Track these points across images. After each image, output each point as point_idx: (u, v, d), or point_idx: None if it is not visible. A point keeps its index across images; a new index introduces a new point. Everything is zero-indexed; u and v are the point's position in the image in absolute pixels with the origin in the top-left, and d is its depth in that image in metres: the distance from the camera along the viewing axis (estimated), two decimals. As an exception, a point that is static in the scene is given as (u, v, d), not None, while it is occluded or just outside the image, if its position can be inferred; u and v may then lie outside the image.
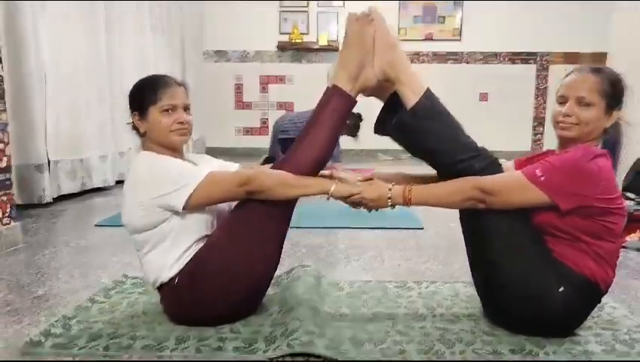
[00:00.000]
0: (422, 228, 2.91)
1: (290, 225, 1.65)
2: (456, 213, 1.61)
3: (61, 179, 3.62)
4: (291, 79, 6.83)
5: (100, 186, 4.06)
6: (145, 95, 1.59)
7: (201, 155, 1.81)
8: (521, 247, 1.50)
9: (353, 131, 4.34)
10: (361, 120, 4.09)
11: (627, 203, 2.79)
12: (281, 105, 6.85)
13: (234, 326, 1.57)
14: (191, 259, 1.55)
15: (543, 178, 1.42)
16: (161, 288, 1.59)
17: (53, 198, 3.46)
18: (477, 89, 6.68)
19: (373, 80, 1.60)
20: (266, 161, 5.11)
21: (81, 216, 3.25)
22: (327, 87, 1.63)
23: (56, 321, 1.61)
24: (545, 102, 6.71)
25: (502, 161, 1.63)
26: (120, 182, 4.35)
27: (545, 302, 1.46)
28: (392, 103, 1.64)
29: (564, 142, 1.56)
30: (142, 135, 1.62)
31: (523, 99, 6.71)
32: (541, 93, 6.71)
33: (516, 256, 1.49)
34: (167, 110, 1.57)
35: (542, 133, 6.74)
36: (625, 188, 2.83)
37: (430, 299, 1.83)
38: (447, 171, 1.55)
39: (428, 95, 1.55)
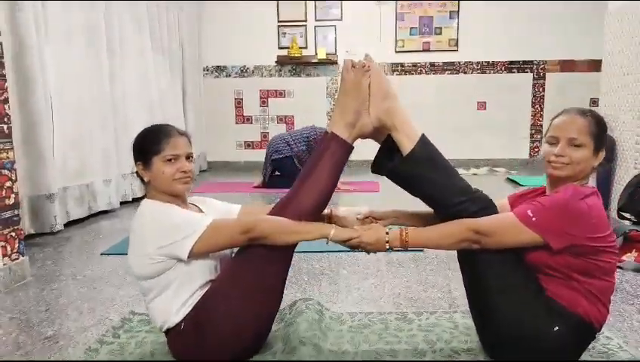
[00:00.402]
0: (421, 251, 2.96)
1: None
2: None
3: (69, 206, 3.70)
4: (291, 93, 6.89)
5: (105, 209, 4.13)
6: (148, 146, 1.65)
7: (202, 199, 1.86)
8: (515, 288, 1.55)
9: None
10: None
11: (623, 222, 2.85)
12: (280, 119, 6.92)
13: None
14: (195, 304, 1.60)
15: (534, 219, 1.48)
16: (168, 332, 1.64)
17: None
18: (474, 98, 6.73)
19: (369, 126, 1.67)
20: (263, 185, 5.20)
21: (87, 243, 3.31)
22: (326, 133, 1.69)
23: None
24: (542, 110, 6.76)
25: (496, 199, 1.69)
26: (124, 203, 4.43)
27: (540, 341, 1.51)
28: (388, 145, 1.69)
29: (555, 182, 1.61)
30: (146, 183, 1.68)
31: (520, 107, 6.76)
32: (538, 100, 6.76)
33: (511, 296, 1.54)
34: (169, 160, 1.63)
35: (539, 141, 6.78)
36: (621, 209, 2.88)
37: (430, 332, 1.88)
38: (443, 212, 1.61)
39: (423, 142, 1.60)
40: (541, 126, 6.74)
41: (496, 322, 1.56)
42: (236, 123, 6.97)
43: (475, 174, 6.04)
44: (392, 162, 1.63)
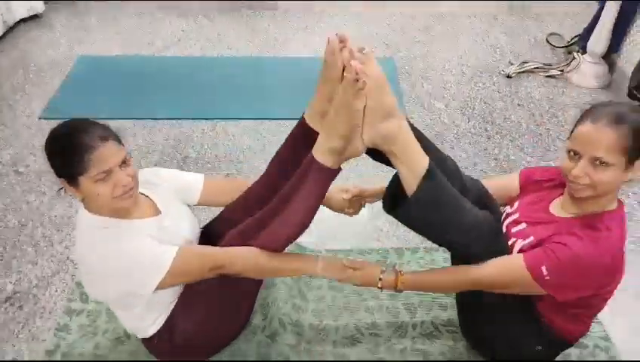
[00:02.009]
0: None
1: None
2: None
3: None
4: None
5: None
6: (67, 163, 1.24)
7: (154, 173, 1.51)
8: (510, 306, 1.46)
9: None
10: None
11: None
12: None
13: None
14: (165, 322, 1.47)
15: (548, 278, 1.29)
16: (142, 339, 1.55)
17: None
18: None
19: (360, 151, 1.29)
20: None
21: (16, 91, 2.84)
22: (308, 156, 1.29)
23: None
24: None
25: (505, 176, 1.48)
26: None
27: (522, 356, 1.51)
28: (396, 181, 1.36)
29: (576, 199, 1.36)
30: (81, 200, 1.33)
31: None
32: None
33: (504, 314, 1.47)
34: (101, 179, 1.25)
35: None
36: (635, 88, 2.58)
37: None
38: (450, 249, 1.43)
39: (429, 176, 1.25)
40: None
41: (482, 334, 1.54)
42: None
43: None
44: (401, 208, 1.30)
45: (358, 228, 2.09)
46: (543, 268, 1.28)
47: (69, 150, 1.23)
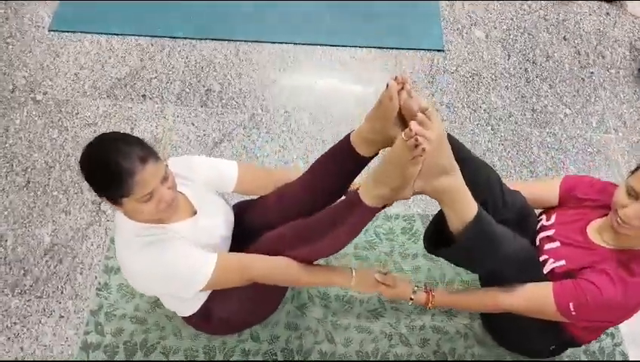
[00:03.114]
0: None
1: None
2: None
3: None
4: None
5: None
6: (108, 188, 1.22)
7: (190, 168, 1.48)
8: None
9: None
10: None
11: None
12: None
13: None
14: (202, 305, 1.55)
15: (574, 313, 1.33)
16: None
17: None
18: None
19: (409, 197, 1.26)
20: None
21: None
22: (355, 193, 1.25)
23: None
24: None
25: (545, 178, 1.48)
26: None
27: (535, 352, 1.64)
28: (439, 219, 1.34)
29: (617, 233, 1.35)
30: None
31: None
32: None
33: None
34: (145, 200, 1.24)
35: None
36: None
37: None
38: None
39: (476, 222, 1.23)
40: None
41: (502, 321, 1.62)
42: None
43: None
44: (446, 249, 1.30)
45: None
46: (571, 305, 1.32)
47: (109, 177, 1.19)
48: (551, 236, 1.48)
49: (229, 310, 1.55)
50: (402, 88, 1.15)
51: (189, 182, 1.46)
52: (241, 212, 1.62)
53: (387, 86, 1.15)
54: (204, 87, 2.36)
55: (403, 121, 1.20)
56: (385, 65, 2.46)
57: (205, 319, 1.57)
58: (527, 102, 2.38)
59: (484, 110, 2.34)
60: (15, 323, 1.75)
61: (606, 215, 1.41)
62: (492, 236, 1.27)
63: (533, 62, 2.52)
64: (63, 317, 1.77)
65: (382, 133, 1.25)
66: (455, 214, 1.24)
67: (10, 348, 1.71)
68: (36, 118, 2.23)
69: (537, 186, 1.58)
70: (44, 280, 1.83)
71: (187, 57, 2.45)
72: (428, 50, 2.52)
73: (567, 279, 1.36)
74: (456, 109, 2.33)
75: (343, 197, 1.35)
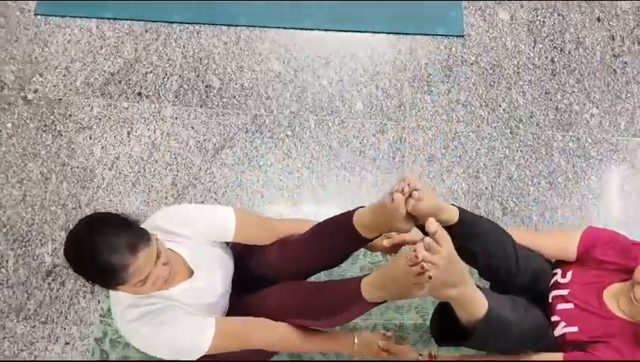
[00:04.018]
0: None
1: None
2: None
3: None
4: None
5: None
6: (102, 281, 1.18)
7: (186, 225, 1.39)
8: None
9: None
10: None
11: None
12: None
13: None
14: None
15: None
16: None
17: None
18: None
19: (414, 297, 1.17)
20: None
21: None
22: (357, 290, 1.18)
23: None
24: None
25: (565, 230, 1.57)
26: None
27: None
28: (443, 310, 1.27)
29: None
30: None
31: None
32: None
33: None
34: (140, 285, 1.20)
35: None
36: None
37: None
38: None
39: (487, 320, 1.16)
40: None
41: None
42: None
43: None
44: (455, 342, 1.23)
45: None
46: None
47: (101, 273, 1.14)
48: (565, 296, 1.41)
49: (234, 354, 1.54)
50: (410, 196, 1.04)
51: (185, 239, 1.39)
52: (242, 253, 1.56)
53: (392, 199, 1.04)
54: (203, 83, 2.21)
55: (411, 216, 1.10)
56: (397, 55, 2.25)
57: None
58: (550, 99, 2.20)
59: (504, 109, 2.17)
60: (22, 350, 1.77)
61: (625, 280, 1.34)
62: (503, 324, 1.21)
63: (561, 51, 2.30)
64: (68, 343, 1.78)
65: (387, 226, 1.16)
66: (465, 313, 1.18)
67: (19, 375, 1.74)
68: (28, 122, 2.12)
69: (556, 239, 1.49)
70: (48, 304, 1.83)
71: (184, 46, 2.27)
72: (446, 35, 2.31)
73: (577, 350, 1.32)
74: (473, 108, 2.17)
75: (346, 282, 1.29)
